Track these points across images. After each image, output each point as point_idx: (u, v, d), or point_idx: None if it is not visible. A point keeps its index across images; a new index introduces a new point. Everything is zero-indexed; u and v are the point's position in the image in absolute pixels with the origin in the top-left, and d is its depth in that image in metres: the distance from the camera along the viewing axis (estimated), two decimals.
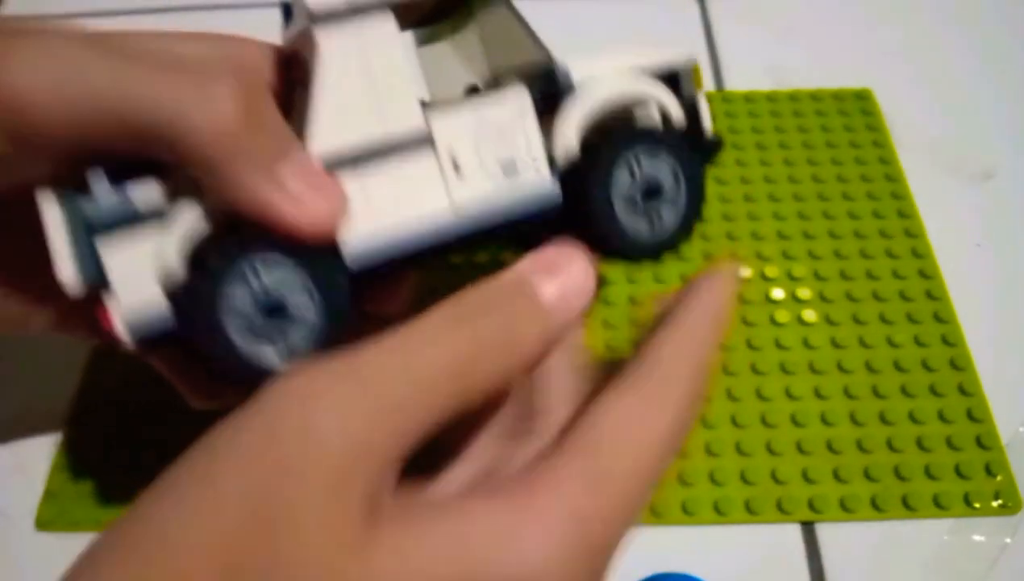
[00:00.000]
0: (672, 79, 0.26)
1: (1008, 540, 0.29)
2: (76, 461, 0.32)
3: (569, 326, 0.19)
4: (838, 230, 0.38)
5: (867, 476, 0.31)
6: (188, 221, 0.21)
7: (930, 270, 0.36)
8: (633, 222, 0.25)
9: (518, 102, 0.24)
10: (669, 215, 0.26)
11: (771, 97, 0.44)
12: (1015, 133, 0.42)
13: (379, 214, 0.23)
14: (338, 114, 0.22)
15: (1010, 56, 0.46)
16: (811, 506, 0.30)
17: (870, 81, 0.44)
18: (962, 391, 0.33)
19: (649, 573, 0.28)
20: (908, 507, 0.30)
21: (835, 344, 0.34)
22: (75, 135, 0.20)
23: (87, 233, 0.21)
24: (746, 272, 0.37)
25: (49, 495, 0.31)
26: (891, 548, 0.29)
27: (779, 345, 0.34)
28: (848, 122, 0.42)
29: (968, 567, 0.29)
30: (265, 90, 0.22)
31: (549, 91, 0.24)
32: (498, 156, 0.24)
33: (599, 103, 0.24)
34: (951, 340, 0.34)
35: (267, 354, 0.21)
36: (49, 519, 0.31)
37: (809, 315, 0.35)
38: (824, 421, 0.32)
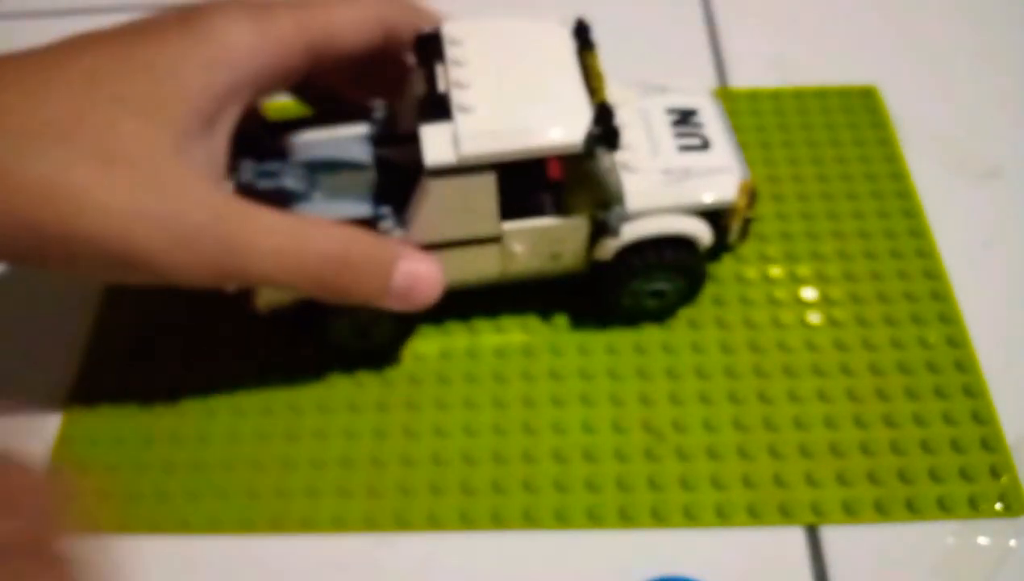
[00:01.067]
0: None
1: (1013, 543, 0.29)
2: (69, 463, 0.32)
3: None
4: (843, 230, 0.38)
5: (871, 479, 0.30)
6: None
7: (935, 270, 0.36)
8: (637, 304, 0.34)
9: (577, 227, 0.31)
10: (671, 298, 0.34)
11: (775, 94, 0.43)
12: (1022, 131, 0.42)
13: (451, 270, 0.31)
14: (437, 220, 0.30)
15: (1017, 53, 0.45)
16: (815, 510, 0.30)
17: (875, 78, 0.44)
18: (967, 393, 0.32)
19: (652, 576, 0.28)
20: (912, 510, 0.30)
21: (839, 346, 0.34)
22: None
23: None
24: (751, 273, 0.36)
25: None
26: (895, 551, 0.29)
27: (782, 347, 0.34)
28: (853, 120, 0.42)
29: (973, 570, 0.28)
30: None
31: (603, 227, 0.31)
32: (551, 250, 0.32)
33: (638, 236, 0.31)
34: (956, 341, 0.34)
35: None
36: None
37: (813, 317, 0.35)
38: (828, 424, 0.32)
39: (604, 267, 0.32)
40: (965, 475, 0.30)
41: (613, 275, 0.32)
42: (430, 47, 0.31)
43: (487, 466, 0.31)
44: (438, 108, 0.28)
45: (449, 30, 0.31)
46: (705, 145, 0.32)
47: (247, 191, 0.29)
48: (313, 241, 0.27)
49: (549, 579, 0.29)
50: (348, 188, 0.30)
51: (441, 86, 0.29)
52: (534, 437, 0.32)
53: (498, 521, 0.30)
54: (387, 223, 0.29)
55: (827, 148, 0.41)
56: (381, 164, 0.30)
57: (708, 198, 0.31)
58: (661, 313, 0.34)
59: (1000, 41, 0.46)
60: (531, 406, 0.33)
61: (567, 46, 0.31)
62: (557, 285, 0.34)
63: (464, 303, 0.34)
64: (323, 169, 0.30)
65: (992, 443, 0.31)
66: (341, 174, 0.30)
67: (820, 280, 0.36)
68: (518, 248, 0.31)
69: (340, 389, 0.33)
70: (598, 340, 0.34)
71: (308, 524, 0.30)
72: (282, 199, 0.30)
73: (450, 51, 0.30)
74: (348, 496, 0.31)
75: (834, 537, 0.29)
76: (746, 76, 0.44)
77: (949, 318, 0.34)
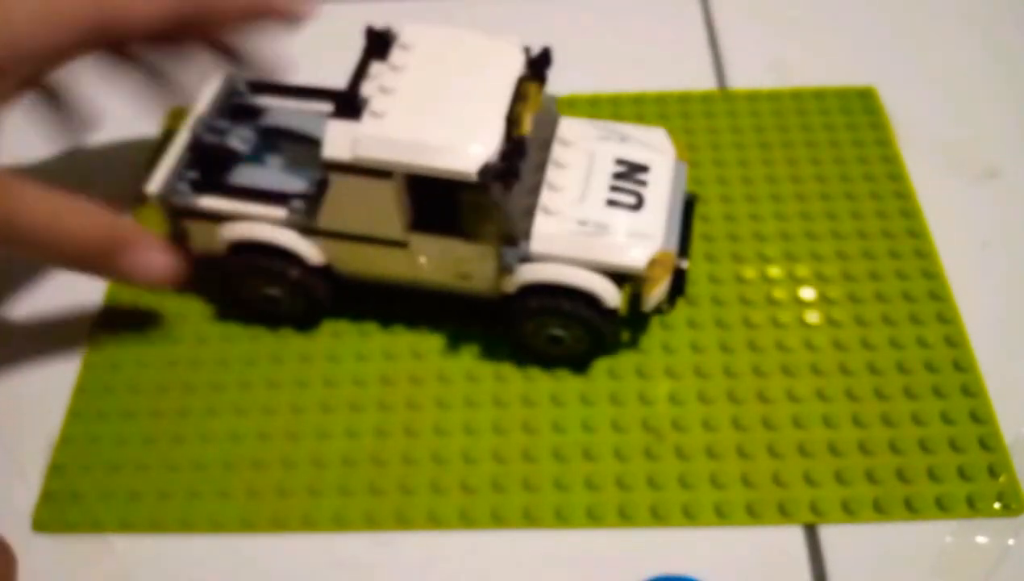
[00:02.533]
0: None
1: (1011, 541, 0.29)
2: (72, 463, 0.32)
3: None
4: (841, 230, 0.38)
5: (869, 478, 0.30)
6: None
7: (934, 270, 0.36)
8: (540, 344, 0.33)
9: (483, 255, 0.31)
10: (572, 347, 0.33)
11: (774, 95, 0.43)
12: (1020, 132, 0.42)
13: (358, 262, 0.33)
14: (342, 213, 0.31)
15: (1015, 54, 0.45)
16: (813, 509, 0.30)
17: (874, 79, 0.44)
18: (965, 392, 0.32)
19: (651, 576, 0.28)
20: (911, 509, 0.30)
21: (838, 346, 0.34)
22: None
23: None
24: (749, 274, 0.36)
25: (46, 497, 0.31)
26: (894, 550, 0.29)
27: (781, 347, 0.34)
28: (851, 121, 0.42)
29: (971, 569, 0.29)
30: None
31: (512, 259, 0.30)
32: (458, 270, 0.32)
33: (534, 279, 0.31)
34: (955, 341, 0.34)
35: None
36: (46, 521, 0.31)
37: (811, 317, 0.35)
38: (826, 423, 0.32)
39: (508, 300, 0.32)
40: (963, 474, 0.30)
41: (512, 310, 0.32)
42: (379, 44, 0.31)
43: (487, 465, 0.31)
44: (349, 107, 0.29)
45: (406, 34, 0.31)
46: (637, 206, 0.31)
47: (195, 144, 0.33)
48: (68, 224, 0.29)
49: (549, 577, 0.29)
50: (301, 161, 0.33)
51: (369, 86, 0.30)
52: (534, 436, 0.32)
53: (498, 520, 0.30)
54: (296, 204, 0.31)
55: (826, 149, 0.41)
56: None
57: (612, 260, 0.30)
58: (571, 360, 0.33)
59: (998, 43, 0.46)
60: (531, 405, 0.33)
61: (513, 72, 0.30)
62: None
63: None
64: (288, 138, 0.33)
65: (990, 442, 0.31)
66: (300, 146, 0.33)
67: (819, 280, 0.36)
68: (423, 259, 0.31)
69: (342, 389, 0.33)
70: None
71: (309, 523, 0.30)
72: (226, 157, 0.33)
73: (395, 54, 0.30)
74: (349, 495, 0.31)
75: (833, 536, 0.30)
76: (745, 77, 0.45)
77: (947, 318, 0.35)
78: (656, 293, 0.31)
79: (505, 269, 0.30)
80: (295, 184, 0.33)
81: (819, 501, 0.30)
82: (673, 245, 0.31)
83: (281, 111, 0.35)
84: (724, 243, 0.37)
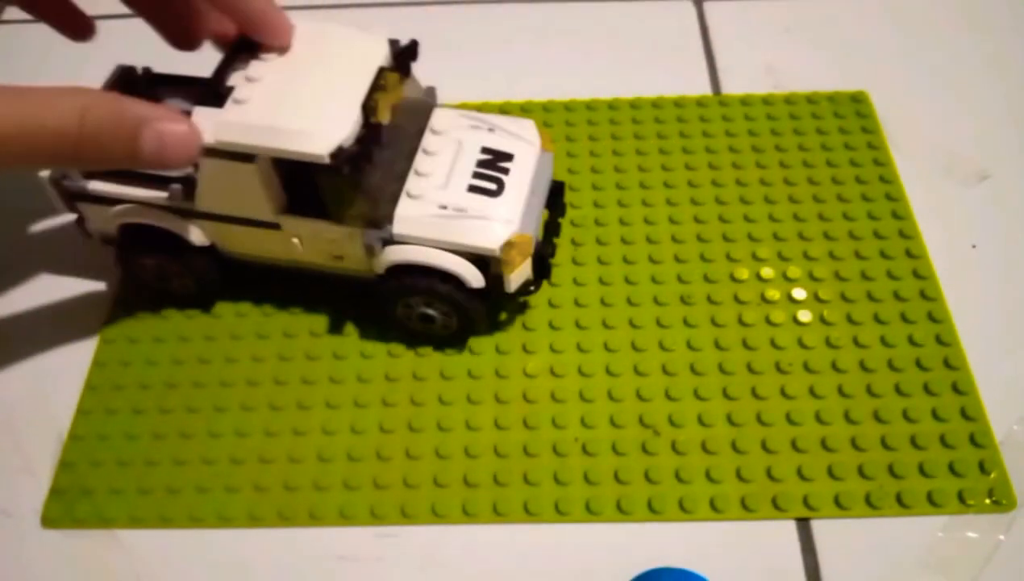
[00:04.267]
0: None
1: (1002, 537, 0.30)
2: (81, 459, 0.33)
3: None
4: (833, 232, 0.38)
5: (862, 474, 0.31)
6: None
7: (924, 271, 0.37)
8: (414, 324, 0.34)
9: (351, 236, 0.32)
10: (440, 327, 0.34)
11: (767, 100, 0.44)
12: (1010, 135, 0.42)
13: (239, 243, 0.34)
14: (215, 195, 0.32)
15: (1005, 59, 0.46)
16: (806, 503, 0.30)
17: (866, 83, 0.45)
18: (956, 390, 0.33)
19: (646, 568, 0.29)
20: (902, 504, 0.30)
21: (830, 344, 0.35)
22: None
23: None
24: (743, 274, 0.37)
25: (55, 493, 0.32)
26: (886, 545, 0.30)
27: (774, 345, 0.35)
28: (844, 124, 0.43)
29: (963, 564, 0.29)
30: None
31: (374, 240, 0.32)
32: (330, 251, 0.33)
33: (397, 260, 0.32)
34: (945, 339, 0.35)
35: None
36: (55, 517, 0.31)
37: (804, 316, 0.36)
38: (819, 420, 0.33)
39: (377, 280, 0.33)
40: (955, 470, 0.31)
41: (380, 290, 0.33)
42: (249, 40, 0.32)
43: (488, 460, 0.32)
44: (212, 95, 0.30)
45: None
46: (497, 192, 0.32)
47: None
48: (42, 117, 0.26)
49: (548, 570, 0.30)
50: None
51: (236, 77, 0.31)
52: (534, 432, 0.33)
53: (499, 514, 0.31)
54: (175, 187, 0.32)
55: (818, 152, 0.42)
56: None
57: (468, 242, 0.31)
58: (439, 338, 0.35)
59: (989, 47, 0.47)
60: (531, 402, 0.33)
61: (374, 63, 0.31)
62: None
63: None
64: None
65: (981, 439, 0.32)
66: None
67: (811, 280, 0.37)
68: (295, 241, 0.33)
69: (345, 386, 0.34)
70: (596, 339, 0.35)
71: (315, 517, 0.31)
72: None
73: (263, 48, 0.32)
74: (354, 490, 0.31)
75: (825, 530, 0.30)
76: (739, 82, 0.45)
77: (938, 317, 0.35)
78: (516, 275, 0.32)
79: (368, 250, 0.32)
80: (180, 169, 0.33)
81: (812, 496, 0.31)
82: (532, 229, 0.32)
83: (176, 101, 0.35)
84: (719, 244, 0.38)
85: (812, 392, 0.33)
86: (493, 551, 0.30)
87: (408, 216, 0.31)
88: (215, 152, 0.30)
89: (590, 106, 0.44)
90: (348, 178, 0.30)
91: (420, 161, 0.33)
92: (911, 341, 0.35)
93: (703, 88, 0.45)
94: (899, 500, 0.30)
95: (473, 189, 0.32)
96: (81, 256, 0.38)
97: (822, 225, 0.39)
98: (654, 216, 0.39)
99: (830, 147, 0.42)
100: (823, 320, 0.35)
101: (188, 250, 0.34)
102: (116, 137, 0.27)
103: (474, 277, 0.32)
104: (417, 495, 0.31)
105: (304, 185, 0.31)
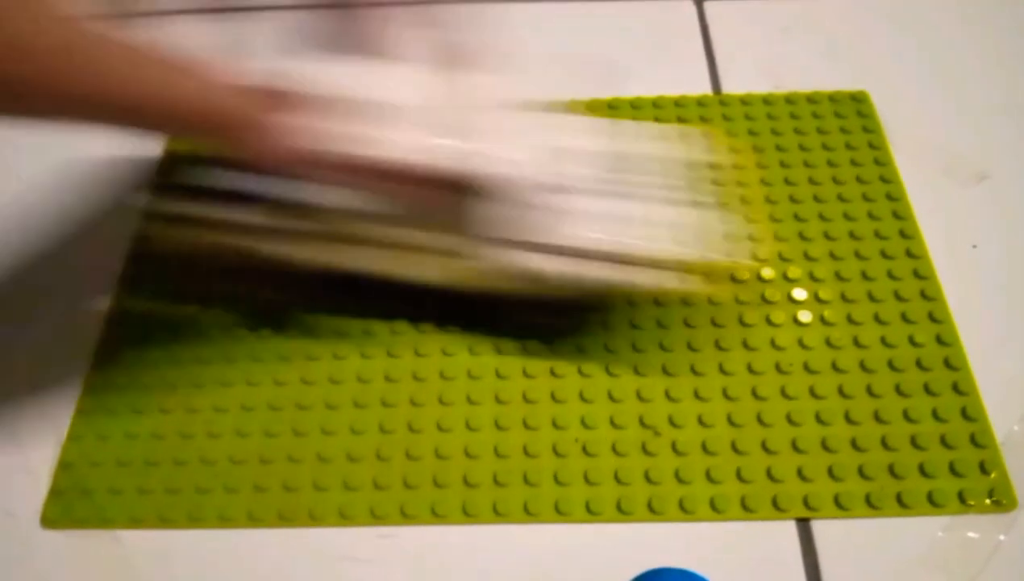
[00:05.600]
0: None
1: (1002, 537, 0.30)
2: (81, 459, 0.33)
3: None
4: (834, 232, 0.38)
5: (862, 474, 0.31)
6: None
7: (925, 271, 0.37)
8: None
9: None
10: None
11: (767, 99, 0.44)
12: (1010, 135, 0.42)
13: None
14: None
15: (1006, 59, 0.46)
16: (806, 504, 0.30)
17: (867, 83, 0.44)
18: (956, 390, 0.33)
19: (646, 568, 0.29)
20: (903, 504, 0.30)
21: (830, 344, 0.35)
22: None
23: None
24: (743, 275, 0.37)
25: (55, 494, 0.32)
26: (886, 545, 0.30)
27: (775, 346, 0.35)
28: (844, 124, 0.43)
29: (963, 564, 0.29)
30: None
31: None
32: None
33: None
34: (946, 340, 0.35)
35: None
36: (55, 517, 0.31)
37: (804, 316, 0.36)
38: (819, 420, 0.32)
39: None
40: (955, 471, 0.31)
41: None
42: None
43: (488, 460, 0.32)
44: None
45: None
46: None
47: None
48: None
49: (548, 570, 0.30)
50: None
51: None
52: (534, 432, 0.33)
53: (499, 514, 0.31)
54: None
55: (819, 152, 0.42)
56: None
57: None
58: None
59: (990, 48, 0.47)
60: (531, 403, 0.33)
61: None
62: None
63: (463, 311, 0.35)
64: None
65: (981, 439, 0.32)
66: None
67: (811, 280, 0.37)
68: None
69: (345, 386, 0.34)
70: (596, 340, 0.35)
71: (315, 518, 0.31)
72: None
73: None
74: (353, 490, 0.31)
75: (826, 530, 0.30)
76: (739, 82, 0.45)
77: (938, 317, 0.35)
78: None
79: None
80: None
81: (812, 496, 0.31)
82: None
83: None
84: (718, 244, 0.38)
85: (812, 392, 0.33)
86: (493, 551, 0.30)
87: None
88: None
89: (591, 106, 0.44)
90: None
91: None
92: (911, 341, 0.35)
93: (703, 88, 0.45)
94: (899, 500, 0.30)
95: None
96: (81, 258, 0.38)
97: (822, 225, 0.39)
98: None
99: (831, 147, 0.42)
100: (823, 320, 0.35)
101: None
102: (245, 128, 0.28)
103: None
104: (417, 495, 0.31)
105: None
